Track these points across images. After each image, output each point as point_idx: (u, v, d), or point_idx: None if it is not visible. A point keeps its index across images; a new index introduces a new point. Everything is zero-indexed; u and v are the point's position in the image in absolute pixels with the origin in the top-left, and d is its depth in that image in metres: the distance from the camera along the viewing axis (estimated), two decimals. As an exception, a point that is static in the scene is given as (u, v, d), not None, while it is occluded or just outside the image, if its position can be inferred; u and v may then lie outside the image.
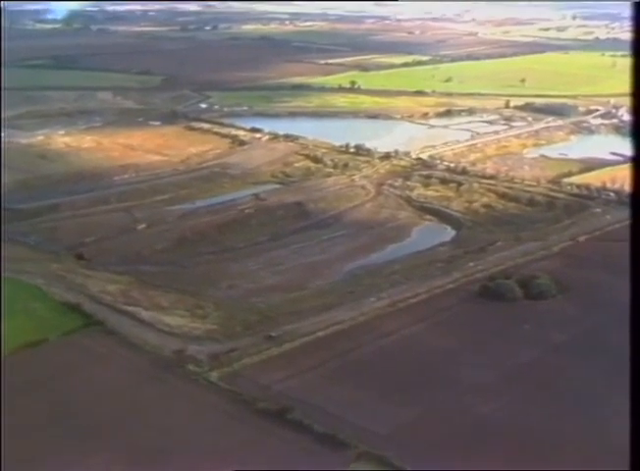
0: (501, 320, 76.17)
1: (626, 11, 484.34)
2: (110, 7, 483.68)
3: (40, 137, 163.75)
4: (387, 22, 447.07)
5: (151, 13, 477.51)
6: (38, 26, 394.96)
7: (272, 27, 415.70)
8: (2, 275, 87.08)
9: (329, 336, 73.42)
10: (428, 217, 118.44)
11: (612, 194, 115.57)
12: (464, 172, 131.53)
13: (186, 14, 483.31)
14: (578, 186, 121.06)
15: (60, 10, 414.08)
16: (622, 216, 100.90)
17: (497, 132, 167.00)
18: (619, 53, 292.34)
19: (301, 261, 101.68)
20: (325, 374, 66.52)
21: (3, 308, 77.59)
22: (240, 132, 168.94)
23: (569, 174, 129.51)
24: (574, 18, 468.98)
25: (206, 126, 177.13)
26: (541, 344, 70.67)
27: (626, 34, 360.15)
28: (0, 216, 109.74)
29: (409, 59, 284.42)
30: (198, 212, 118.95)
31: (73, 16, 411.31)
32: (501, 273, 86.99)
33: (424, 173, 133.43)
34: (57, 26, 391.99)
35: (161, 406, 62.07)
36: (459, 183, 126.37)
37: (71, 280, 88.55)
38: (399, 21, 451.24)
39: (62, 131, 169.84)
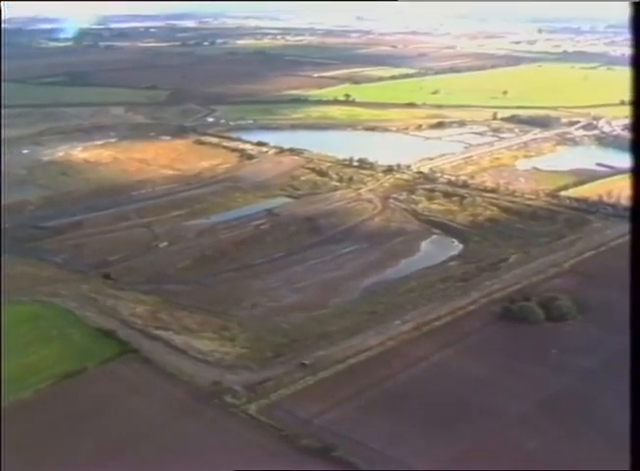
0: (527, 344, 70.60)
1: (585, 26, 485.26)
2: (114, 24, 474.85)
3: (61, 154, 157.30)
4: (370, 36, 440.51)
5: (152, 29, 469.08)
6: (52, 44, 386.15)
7: (265, 42, 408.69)
8: (37, 298, 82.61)
9: (361, 363, 67.68)
10: (435, 230, 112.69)
11: (609, 208, 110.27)
12: (466, 185, 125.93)
13: (184, 30, 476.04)
14: (576, 200, 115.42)
15: (70, 28, 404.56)
16: (623, 231, 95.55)
17: (488, 144, 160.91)
18: (587, 66, 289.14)
19: (318, 278, 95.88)
20: (363, 406, 60.75)
21: (41, 334, 73.40)
22: (248, 146, 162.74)
23: (565, 187, 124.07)
24: (540, 31, 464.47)
25: (215, 140, 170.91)
26: (571, 371, 65.21)
27: (591, 48, 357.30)
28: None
29: (396, 72, 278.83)
30: (216, 228, 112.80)
31: (82, 34, 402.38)
32: (518, 293, 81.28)
33: (427, 186, 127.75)
34: (69, 43, 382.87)
35: (204, 442, 55.92)
36: (462, 197, 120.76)
37: (102, 303, 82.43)
38: (381, 34, 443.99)
39: (80, 147, 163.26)
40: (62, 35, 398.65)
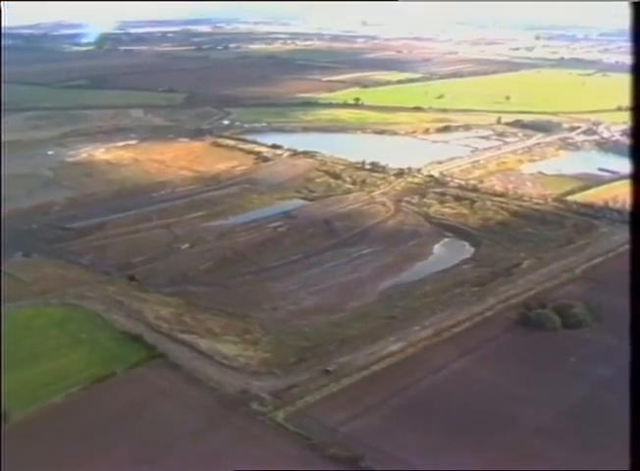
0: (546, 352, 68.01)
1: (580, 33, 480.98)
2: (133, 29, 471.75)
3: (84, 155, 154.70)
4: (376, 41, 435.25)
5: (169, 34, 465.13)
6: (74, 48, 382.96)
7: (276, 47, 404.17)
8: (66, 300, 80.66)
9: (384, 370, 65.26)
10: (447, 233, 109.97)
11: (615, 214, 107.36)
12: (475, 189, 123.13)
13: (199, 35, 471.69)
14: (583, 205, 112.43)
15: (92, 33, 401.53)
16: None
17: (493, 148, 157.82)
18: (584, 72, 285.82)
19: (335, 281, 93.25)
20: (388, 414, 58.33)
21: (70, 337, 71.58)
22: (263, 149, 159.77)
23: (571, 192, 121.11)
24: (537, 38, 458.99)
25: (231, 142, 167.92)
26: (591, 380, 62.67)
27: (586, 54, 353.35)
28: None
29: (403, 76, 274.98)
30: (234, 230, 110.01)
31: (103, 38, 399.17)
32: (533, 299, 78.60)
33: (438, 190, 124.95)
34: (90, 48, 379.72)
35: (234, 451, 53.70)
36: (473, 201, 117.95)
37: (128, 306, 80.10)
38: (386, 40, 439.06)
39: (102, 149, 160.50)
40: (84, 40, 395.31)
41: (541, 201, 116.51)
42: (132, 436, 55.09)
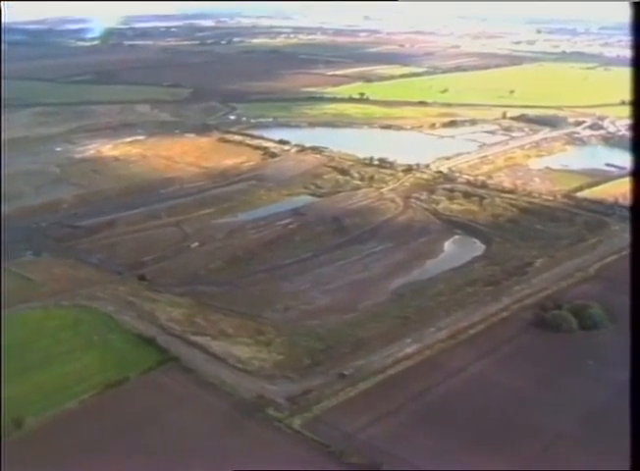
0: (563, 355, 66.19)
1: (580, 27, 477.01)
2: (137, 24, 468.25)
3: (92, 151, 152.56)
4: (378, 35, 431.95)
5: (173, 29, 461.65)
6: (80, 43, 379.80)
7: (279, 41, 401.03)
8: (77, 302, 79.02)
9: (400, 374, 63.39)
10: (457, 231, 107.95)
11: (625, 211, 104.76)
12: (484, 186, 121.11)
13: (203, 29, 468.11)
14: (593, 202, 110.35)
15: (97, 28, 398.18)
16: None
17: (500, 143, 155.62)
18: (586, 66, 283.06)
19: (347, 279, 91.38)
20: (405, 420, 56.61)
21: (82, 340, 70.12)
22: (270, 144, 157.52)
23: (580, 188, 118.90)
24: (539, 32, 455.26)
25: (238, 138, 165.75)
26: (609, 384, 60.54)
27: (587, 48, 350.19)
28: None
29: (406, 70, 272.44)
30: (244, 228, 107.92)
31: (107, 33, 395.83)
32: (548, 299, 76.68)
33: (447, 186, 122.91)
34: (95, 42, 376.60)
35: (251, 459, 51.94)
36: (482, 198, 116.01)
37: (139, 307, 78.35)
38: (389, 34, 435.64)
39: (110, 145, 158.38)
40: (89, 35, 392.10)
41: (550, 198, 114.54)
42: (147, 444, 53.42)
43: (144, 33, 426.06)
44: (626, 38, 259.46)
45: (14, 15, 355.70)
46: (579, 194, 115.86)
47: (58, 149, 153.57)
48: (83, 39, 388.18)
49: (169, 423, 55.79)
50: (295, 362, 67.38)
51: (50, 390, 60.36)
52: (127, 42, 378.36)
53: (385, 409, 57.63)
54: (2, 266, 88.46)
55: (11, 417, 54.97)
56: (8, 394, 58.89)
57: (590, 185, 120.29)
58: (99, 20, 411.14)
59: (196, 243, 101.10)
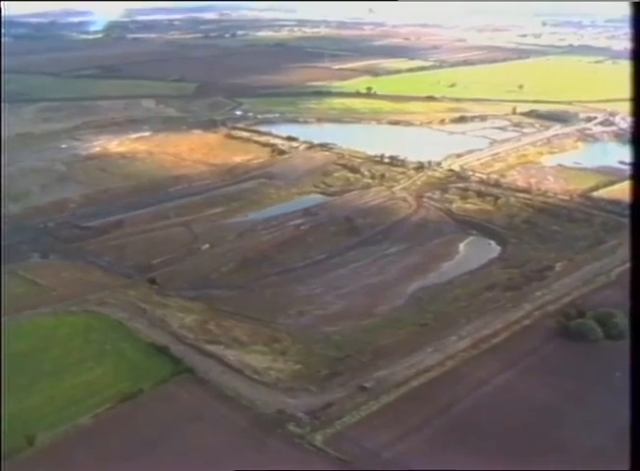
0: (590, 366, 63.81)
1: (586, 20, 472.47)
2: (140, 17, 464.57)
3: (98, 148, 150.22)
4: (383, 28, 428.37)
5: (176, 22, 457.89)
6: (82, 36, 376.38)
7: (283, 34, 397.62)
8: (87, 308, 76.76)
9: (423, 386, 60.99)
10: (471, 231, 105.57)
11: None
12: (498, 184, 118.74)
13: (206, 22, 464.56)
14: (610, 202, 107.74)
15: (99, 21, 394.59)
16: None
17: (511, 140, 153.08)
18: (594, 59, 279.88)
19: (362, 283, 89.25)
20: (432, 436, 54.32)
21: (94, 349, 67.71)
22: (278, 141, 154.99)
23: (596, 187, 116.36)
24: (544, 24, 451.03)
25: (245, 134, 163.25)
26: (642, 397, 57.74)
27: (594, 41, 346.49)
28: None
29: (413, 64, 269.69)
30: (255, 228, 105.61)
31: (111, 26, 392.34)
32: (571, 306, 74.36)
33: (460, 185, 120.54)
34: (98, 36, 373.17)
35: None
36: (496, 197, 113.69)
37: (151, 313, 76.11)
38: (394, 27, 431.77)
39: (116, 141, 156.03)
40: (92, 28, 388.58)
41: (566, 197, 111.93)
42: (164, 462, 51.12)
43: (147, 26, 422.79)
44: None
45: (16, 8, 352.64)
46: (595, 194, 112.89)
47: (63, 146, 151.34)
48: (86, 32, 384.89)
49: (186, 439, 53.55)
50: (313, 372, 65.17)
51: (62, 402, 58.25)
52: (130, 35, 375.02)
53: (410, 424, 55.41)
54: (10, 269, 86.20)
55: (22, 432, 52.45)
56: (19, 407, 56.99)
57: (605, 185, 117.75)
58: (101, 12, 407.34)
59: (207, 245, 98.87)
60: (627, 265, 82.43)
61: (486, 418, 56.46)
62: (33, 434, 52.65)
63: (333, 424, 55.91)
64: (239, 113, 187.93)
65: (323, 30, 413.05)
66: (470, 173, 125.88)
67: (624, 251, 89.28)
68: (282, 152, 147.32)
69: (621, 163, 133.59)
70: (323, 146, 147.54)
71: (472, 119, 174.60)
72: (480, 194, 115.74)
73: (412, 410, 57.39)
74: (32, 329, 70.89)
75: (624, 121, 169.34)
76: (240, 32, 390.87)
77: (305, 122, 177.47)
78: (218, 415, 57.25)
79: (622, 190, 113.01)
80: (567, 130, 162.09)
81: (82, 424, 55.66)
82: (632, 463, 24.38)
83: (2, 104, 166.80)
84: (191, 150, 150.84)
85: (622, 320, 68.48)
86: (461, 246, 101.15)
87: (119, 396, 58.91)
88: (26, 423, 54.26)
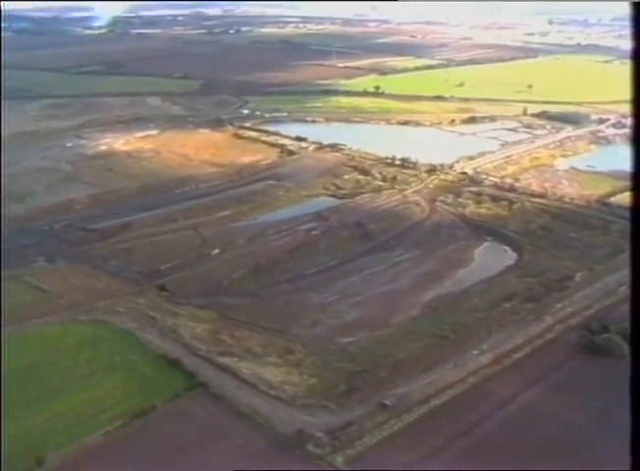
0: (618, 385, 60.73)
1: (592, 18, 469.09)
2: (143, 12, 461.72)
3: (103, 147, 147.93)
4: (388, 25, 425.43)
5: (180, 18, 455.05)
6: (86, 32, 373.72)
7: (289, 31, 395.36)
8: (96, 316, 74.23)
9: (446, 404, 58.84)
10: (486, 237, 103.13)
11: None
12: (513, 189, 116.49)
13: (210, 18, 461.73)
14: (627, 209, 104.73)
15: (103, 16, 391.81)
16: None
17: (523, 142, 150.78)
18: (602, 59, 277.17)
19: (376, 291, 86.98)
20: (456, 458, 52.26)
21: (104, 362, 65.78)
22: (287, 141, 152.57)
23: (612, 193, 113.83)
24: (551, 23, 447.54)
25: (253, 134, 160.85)
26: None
27: (601, 40, 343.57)
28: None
29: (420, 63, 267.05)
30: (265, 233, 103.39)
31: (114, 21, 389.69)
32: (594, 319, 72.21)
33: (473, 189, 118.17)
34: (101, 31, 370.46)
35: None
36: (511, 202, 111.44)
37: (161, 323, 73.97)
38: (399, 24, 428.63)
39: (122, 140, 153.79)
40: (95, 23, 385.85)
41: (582, 203, 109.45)
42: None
43: (151, 22, 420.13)
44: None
45: (18, 3, 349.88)
46: (613, 200, 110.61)
47: (69, 145, 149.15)
48: (90, 28, 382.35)
49: (202, 460, 51.35)
50: (330, 387, 63.08)
51: (72, 419, 56.21)
52: (134, 31, 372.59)
53: (433, 445, 53.39)
54: (15, 274, 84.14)
55: (31, 452, 50.34)
56: (26, 424, 55.01)
57: (621, 190, 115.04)
58: (105, 8, 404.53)
59: (217, 250, 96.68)
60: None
61: (512, 439, 54.45)
62: (43, 454, 50.24)
63: (353, 444, 53.89)
64: (245, 111, 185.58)
65: (328, 27, 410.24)
66: (483, 176, 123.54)
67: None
68: (291, 153, 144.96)
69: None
70: (332, 147, 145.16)
71: (482, 119, 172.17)
72: (494, 199, 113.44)
73: (435, 430, 55.36)
74: (39, 339, 68.84)
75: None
76: (244, 29, 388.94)
77: (313, 121, 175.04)
78: (234, 433, 55.20)
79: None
80: (580, 132, 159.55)
81: (93, 443, 53.47)
82: (632, 463, 20.49)
83: (3, 101, 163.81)
84: (198, 150, 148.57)
85: (649, 335, 66.04)
86: (476, 253, 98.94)
87: (130, 413, 56.77)
88: (34, 442, 52.28)
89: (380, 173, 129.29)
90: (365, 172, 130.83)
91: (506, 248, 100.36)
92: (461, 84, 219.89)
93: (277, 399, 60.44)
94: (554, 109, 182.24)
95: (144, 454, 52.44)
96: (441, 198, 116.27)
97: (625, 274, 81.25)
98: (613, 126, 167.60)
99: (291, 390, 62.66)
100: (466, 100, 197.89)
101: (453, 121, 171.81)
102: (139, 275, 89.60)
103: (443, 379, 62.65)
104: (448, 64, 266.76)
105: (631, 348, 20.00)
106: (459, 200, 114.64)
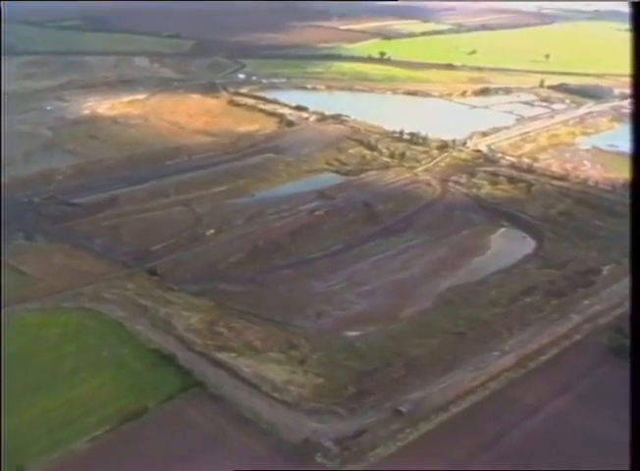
0: (655, 393, 59.04)
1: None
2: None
3: (87, 112, 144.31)
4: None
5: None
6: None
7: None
8: (81, 303, 72.26)
9: (466, 412, 56.69)
10: (503, 222, 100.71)
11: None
12: (531, 169, 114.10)
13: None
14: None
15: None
16: None
17: (541, 117, 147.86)
18: (623, 27, 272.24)
19: (385, 279, 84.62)
20: (482, 473, 49.79)
21: (90, 356, 63.13)
22: (286, 110, 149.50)
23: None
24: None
25: (250, 101, 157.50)
26: None
27: (622, 6, 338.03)
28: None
29: (427, 27, 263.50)
30: (265, 212, 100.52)
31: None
32: (624, 319, 69.60)
33: (488, 169, 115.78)
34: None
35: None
36: (530, 184, 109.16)
37: (153, 312, 71.24)
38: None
39: (107, 104, 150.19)
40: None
41: (607, 187, 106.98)
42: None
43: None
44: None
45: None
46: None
47: (49, 108, 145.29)
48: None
49: (200, 471, 49.12)
50: (339, 389, 60.95)
51: (55, 422, 53.88)
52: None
53: (454, 458, 51.36)
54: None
55: (11, 460, 47.96)
56: (6, 427, 52.21)
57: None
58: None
59: (212, 230, 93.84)
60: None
61: (540, 453, 52.45)
62: (23, 464, 47.84)
63: (366, 456, 51.69)
64: (241, 76, 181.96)
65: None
66: (499, 155, 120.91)
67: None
68: (290, 123, 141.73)
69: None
70: (335, 118, 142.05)
71: (496, 91, 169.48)
72: (511, 180, 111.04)
73: (456, 441, 53.35)
74: (19, 328, 66.27)
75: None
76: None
77: (314, 88, 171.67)
78: (234, 441, 52.97)
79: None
80: (601, 107, 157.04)
81: (79, 449, 51.15)
82: (632, 463, 25.29)
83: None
84: (190, 117, 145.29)
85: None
86: (493, 239, 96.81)
87: (120, 416, 54.31)
88: (14, 448, 49.72)
89: (387, 148, 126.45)
90: (371, 146, 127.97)
91: (525, 235, 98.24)
92: (473, 52, 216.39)
93: (281, 403, 58.22)
94: (573, 81, 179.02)
95: (135, 464, 50.00)
96: (453, 178, 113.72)
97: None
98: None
99: (295, 391, 60.51)
100: (479, 69, 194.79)
101: (464, 92, 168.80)
102: (127, 256, 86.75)
103: (462, 383, 60.56)
104: (458, 29, 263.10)
105: (631, 348, 25.32)
106: (474, 181, 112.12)
